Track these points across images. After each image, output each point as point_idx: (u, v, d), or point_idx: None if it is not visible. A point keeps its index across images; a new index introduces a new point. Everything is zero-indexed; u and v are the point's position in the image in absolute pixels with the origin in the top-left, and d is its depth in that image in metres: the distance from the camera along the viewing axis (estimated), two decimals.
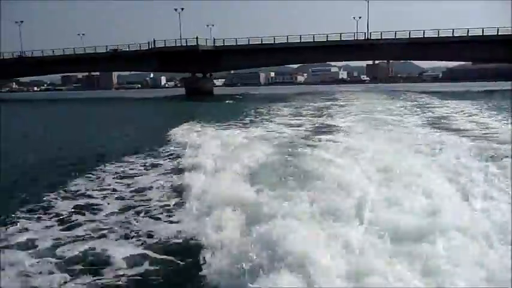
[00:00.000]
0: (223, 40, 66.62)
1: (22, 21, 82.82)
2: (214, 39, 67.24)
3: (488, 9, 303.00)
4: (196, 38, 63.70)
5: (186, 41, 63.90)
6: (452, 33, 59.78)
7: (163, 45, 65.26)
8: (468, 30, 59.21)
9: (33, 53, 74.34)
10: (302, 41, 63.78)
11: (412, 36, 60.85)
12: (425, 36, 60.70)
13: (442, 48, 60.12)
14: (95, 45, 71.54)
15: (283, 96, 51.79)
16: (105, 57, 69.80)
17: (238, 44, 65.75)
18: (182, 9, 73.94)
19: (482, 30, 58.68)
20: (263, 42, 64.82)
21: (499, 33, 57.93)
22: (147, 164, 10.22)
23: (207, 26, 75.21)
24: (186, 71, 70.99)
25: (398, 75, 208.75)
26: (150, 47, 66.47)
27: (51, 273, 4.53)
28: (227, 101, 44.05)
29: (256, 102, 40.54)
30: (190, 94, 66.95)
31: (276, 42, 64.61)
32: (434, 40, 60.24)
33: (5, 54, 74.80)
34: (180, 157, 10.68)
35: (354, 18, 68.99)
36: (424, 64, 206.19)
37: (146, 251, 5.03)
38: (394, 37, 61.34)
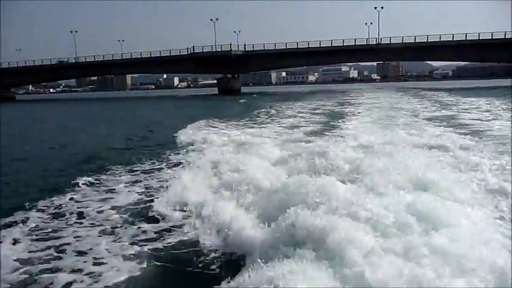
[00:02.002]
0: (253, 45, 76.72)
1: (77, 31, 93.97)
2: (244, 45, 77.31)
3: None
4: (230, 44, 74.46)
5: (221, 47, 74.46)
6: (452, 38, 68.11)
7: (200, 51, 75.87)
8: (466, 35, 67.66)
9: (78, 58, 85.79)
10: (321, 46, 73.45)
11: (418, 40, 69.62)
12: (428, 40, 69.31)
13: (449, 50, 68.14)
14: (140, 51, 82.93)
15: (300, 94, 59.42)
16: (151, 61, 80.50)
17: (265, 48, 75.80)
18: (217, 19, 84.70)
19: (478, 35, 67.02)
20: (287, 47, 74.70)
21: (493, 37, 66.12)
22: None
23: (234, 32, 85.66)
24: (219, 72, 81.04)
25: (409, 73, 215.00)
26: (188, 52, 77.03)
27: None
28: (242, 99, 47.23)
29: (282, 98, 48.69)
30: (222, 92, 76.94)
31: (298, 46, 74.49)
32: (439, 43, 68.27)
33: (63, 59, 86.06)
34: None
35: (366, 24, 78.72)
36: (435, 62, 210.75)
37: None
38: (401, 41, 70.34)
